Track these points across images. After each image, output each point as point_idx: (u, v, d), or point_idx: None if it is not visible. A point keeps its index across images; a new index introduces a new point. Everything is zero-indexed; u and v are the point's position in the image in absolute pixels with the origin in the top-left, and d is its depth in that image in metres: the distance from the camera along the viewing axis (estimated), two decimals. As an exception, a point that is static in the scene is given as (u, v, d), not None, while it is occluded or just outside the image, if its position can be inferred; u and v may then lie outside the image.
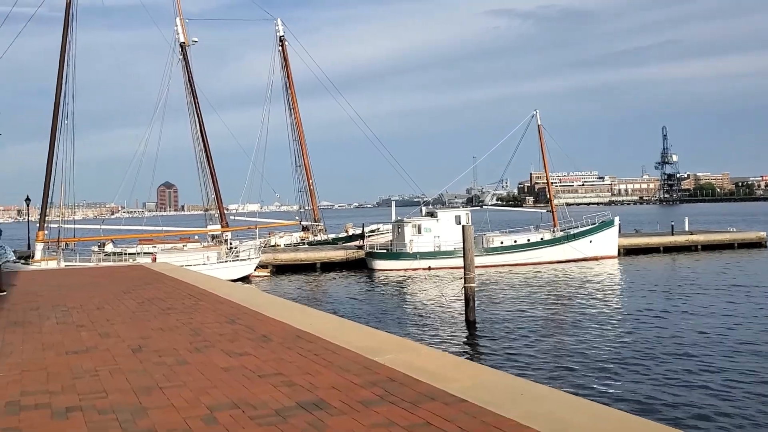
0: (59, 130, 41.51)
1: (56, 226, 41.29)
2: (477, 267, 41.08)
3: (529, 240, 43.95)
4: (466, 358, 17.01)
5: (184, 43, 51.19)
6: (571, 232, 44.88)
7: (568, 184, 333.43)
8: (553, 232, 45.55)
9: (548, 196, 49.41)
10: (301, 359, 6.44)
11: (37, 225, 42.54)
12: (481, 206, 49.81)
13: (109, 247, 46.18)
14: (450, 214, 43.39)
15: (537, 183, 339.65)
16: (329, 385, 5.46)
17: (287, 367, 6.14)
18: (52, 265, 37.83)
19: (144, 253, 42.09)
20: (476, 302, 23.24)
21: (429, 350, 7.04)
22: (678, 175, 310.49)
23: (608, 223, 45.68)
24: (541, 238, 44.46)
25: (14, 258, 14.19)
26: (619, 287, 33.04)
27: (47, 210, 41.97)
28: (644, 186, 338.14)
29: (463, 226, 23.96)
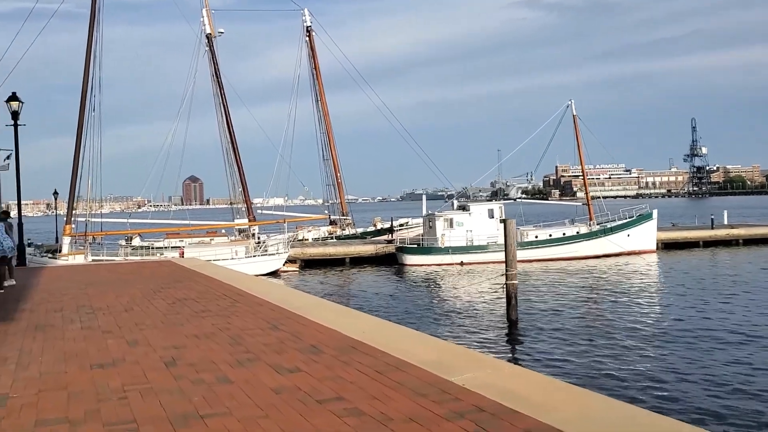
0: (86, 123, 41.17)
1: (83, 219, 40.93)
2: (504, 261, 40.06)
3: (564, 234, 42.58)
4: (516, 364, 16.00)
5: (210, 34, 50.57)
6: (608, 226, 43.45)
7: (594, 177, 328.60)
8: (589, 225, 44.13)
9: (584, 189, 47.78)
10: (363, 378, 5.47)
11: (65, 219, 42.28)
12: (514, 200, 48.31)
13: (136, 241, 45.78)
14: (483, 208, 42.21)
15: (563, 176, 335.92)
16: (405, 414, 4.49)
17: (349, 389, 5.18)
18: (79, 259, 37.42)
19: (171, 247, 41.55)
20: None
21: (512, 368, 6.03)
22: (707, 168, 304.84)
23: (646, 216, 44.15)
24: (577, 232, 43.10)
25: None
26: (663, 284, 31.61)
27: (74, 203, 41.64)
28: (672, 179, 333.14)
29: (504, 220, 22.86)
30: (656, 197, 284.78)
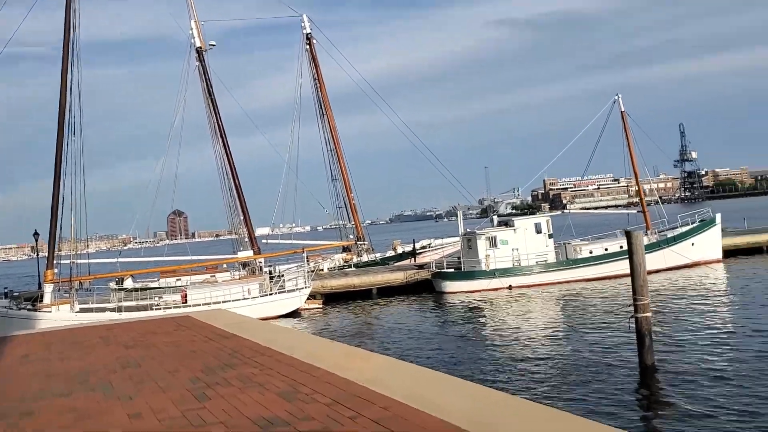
0: (65, 161, 35.32)
1: (68, 262, 35.15)
2: (558, 282, 34.83)
3: (622, 247, 37.11)
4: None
5: (200, 47, 45.67)
6: (668, 235, 38.30)
7: (582, 188, 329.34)
8: (648, 235, 38.89)
9: (639, 194, 42.65)
10: None
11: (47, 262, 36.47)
12: (563, 211, 43.51)
13: (128, 283, 40.57)
14: (528, 222, 36.82)
15: (551, 189, 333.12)
16: None
17: None
18: (64, 310, 31.72)
19: (171, 288, 35.93)
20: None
21: None
22: (698, 172, 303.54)
23: (709, 222, 39.09)
24: (636, 244, 37.80)
25: None
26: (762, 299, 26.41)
27: (57, 245, 35.82)
28: (662, 185, 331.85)
29: (627, 233, 17.57)
30: (649, 204, 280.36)
